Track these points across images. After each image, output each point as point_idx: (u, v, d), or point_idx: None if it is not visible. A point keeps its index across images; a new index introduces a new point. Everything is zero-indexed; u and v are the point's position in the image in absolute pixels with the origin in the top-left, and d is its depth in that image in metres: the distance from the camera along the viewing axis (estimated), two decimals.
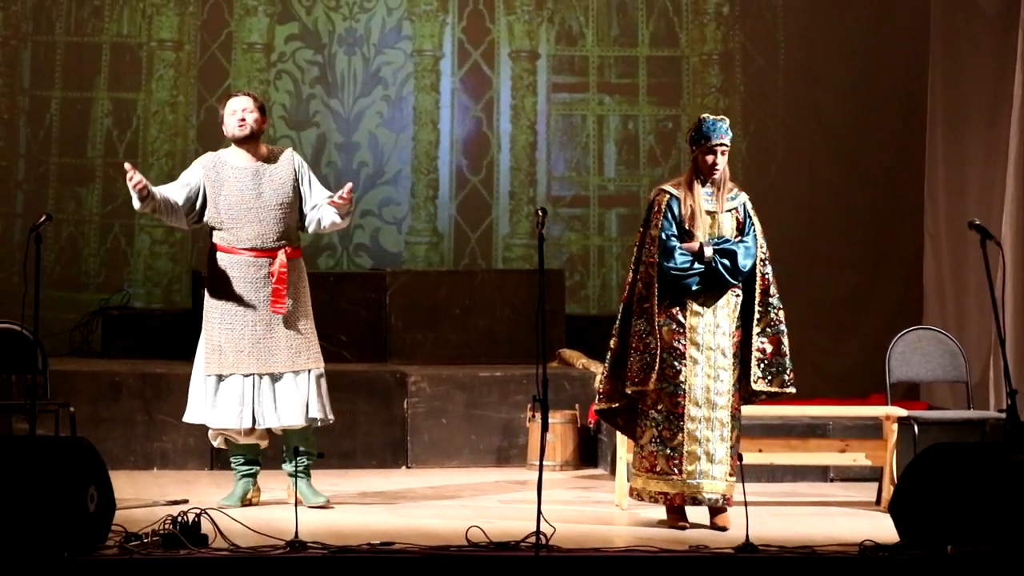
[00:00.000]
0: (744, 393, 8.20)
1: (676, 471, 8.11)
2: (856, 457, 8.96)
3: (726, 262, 8.10)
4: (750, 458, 8.50)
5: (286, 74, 12.21)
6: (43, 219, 7.88)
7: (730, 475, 8.09)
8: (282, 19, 12.24)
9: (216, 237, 8.44)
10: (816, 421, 9.72)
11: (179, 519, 7.24)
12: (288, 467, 8.43)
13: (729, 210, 8.24)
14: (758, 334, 8.18)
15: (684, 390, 8.12)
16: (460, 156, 12.34)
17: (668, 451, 8.12)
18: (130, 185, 8.19)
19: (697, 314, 8.15)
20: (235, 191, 8.34)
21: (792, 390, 8.26)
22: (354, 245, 12.24)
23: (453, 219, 12.31)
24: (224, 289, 8.35)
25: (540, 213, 7.87)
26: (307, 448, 8.47)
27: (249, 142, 8.43)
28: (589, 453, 10.36)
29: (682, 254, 8.10)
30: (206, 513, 7.39)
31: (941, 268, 11.44)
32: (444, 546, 7.27)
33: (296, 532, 7.25)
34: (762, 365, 8.16)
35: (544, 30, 12.38)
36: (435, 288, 11.22)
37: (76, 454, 7.09)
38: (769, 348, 8.18)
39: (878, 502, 8.90)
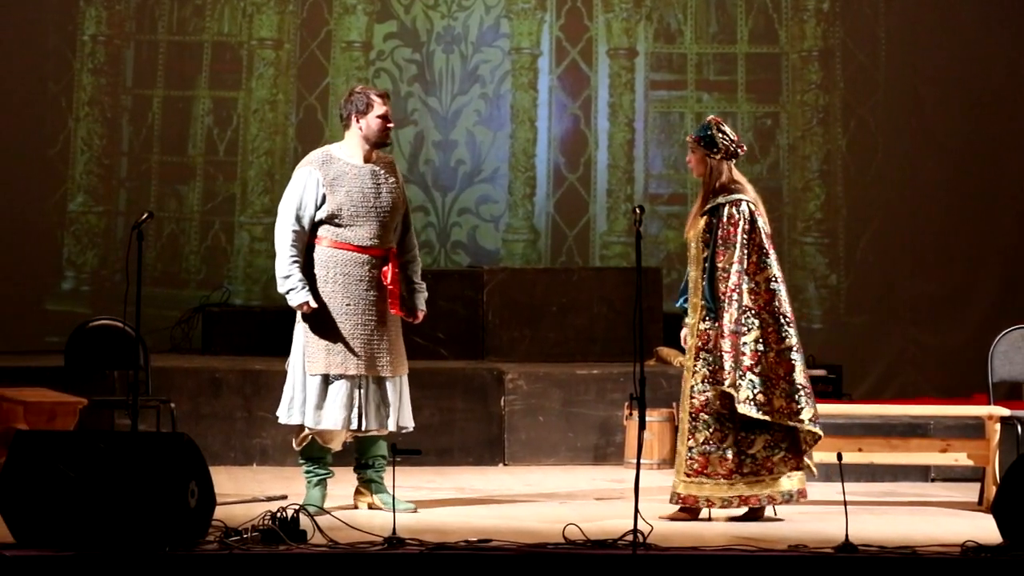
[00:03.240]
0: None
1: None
2: (958, 457, 8.86)
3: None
4: (850, 457, 8.43)
5: (384, 72, 12.26)
6: (145, 217, 7.94)
7: (687, 475, 8.08)
8: (381, 17, 12.29)
9: (328, 232, 8.23)
10: (917, 420, 9.63)
11: (278, 515, 7.28)
12: (369, 473, 8.34)
13: (704, 214, 8.17)
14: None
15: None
16: (557, 154, 12.34)
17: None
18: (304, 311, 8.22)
19: (689, 317, 8.26)
20: (356, 188, 8.21)
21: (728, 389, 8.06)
22: (451, 243, 12.28)
23: (550, 217, 12.31)
24: (335, 287, 8.26)
25: (638, 211, 7.86)
26: (384, 453, 8.35)
27: (378, 147, 8.39)
28: None
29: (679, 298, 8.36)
30: (305, 509, 7.43)
31: None
32: (541, 544, 7.26)
33: (394, 529, 7.27)
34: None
35: (642, 27, 12.35)
36: (532, 286, 11.21)
37: (177, 450, 7.14)
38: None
39: (980, 502, 8.81)
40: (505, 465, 10.25)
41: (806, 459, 8.15)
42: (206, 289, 12.04)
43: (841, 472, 7.90)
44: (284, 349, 10.42)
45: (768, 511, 8.23)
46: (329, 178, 8.22)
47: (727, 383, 8.00)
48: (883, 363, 12.03)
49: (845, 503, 7.63)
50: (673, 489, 8.20)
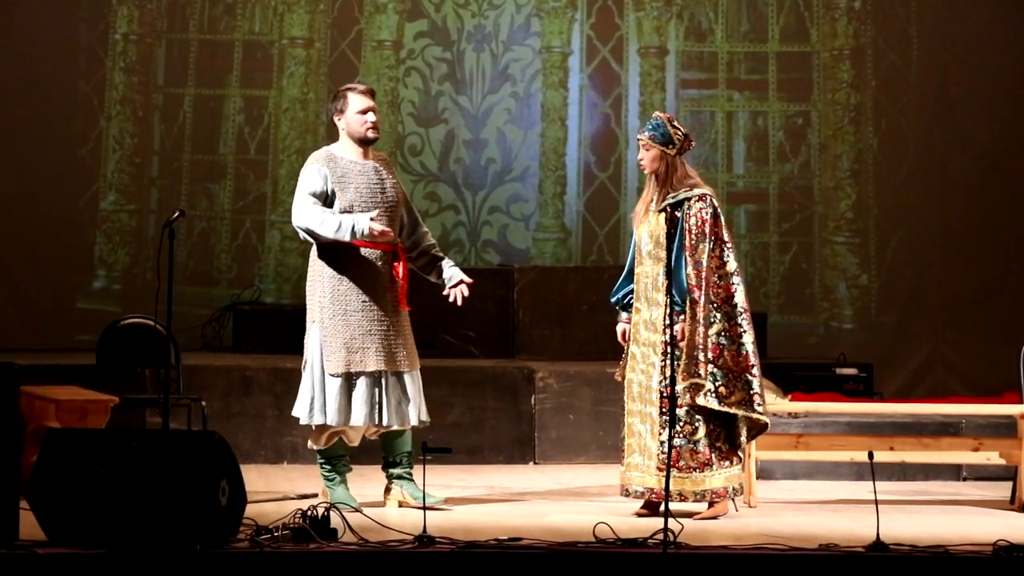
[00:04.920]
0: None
1: (622, 462, 8.26)
2: (990, 456, 8.83)
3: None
4: (881, 456, 8.41)
5: (415, 71, 12.27)
6: (176, 215, 7.97)
7: (659, 469, 8.04)
8: (411, 16, 12.30)
9: None
10: (949, 419, 9.60)
11: (309, 513, 7.29)
12: (398, 470, 8.34)
13: (662, 209, 8.12)
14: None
15: (625, 385, 8.26)
16: (588, 152, 12.33)
17: (619, 442, 8.31)
18: (378, 231, 8.12)
19: (639, 311, 8.21)
20: (364, 184, 8.23)
21: (701, 382, 8.03)
22: (482, 241, 12.28)
23: (581, 215, 12.30)
24: (349, 285, 8.25)
25: (668, 210, 7.85)
26: (409, 448, 8.37)
27: (371, 144, 8.37)
28: None
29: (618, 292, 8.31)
30: (336, 507, 7.43)
31: None
32: (571, 542, 7.27)
33: (424, 527, 7.27)
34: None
35: (673, 26, 12.33)
36: (563, 284, 11.21)
37: (208, 448, 7.16)
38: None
39: (1012, 501, 8.77)
40: (535, 464, 10.24)
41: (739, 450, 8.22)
42: (237, 287, 12.06)
43: (872, 471, 7.89)
44: None
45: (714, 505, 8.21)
46: (336, 176, 8.23)
47: (700, 377, 8.01)
48: (914, 362, 12.00)
49: (876, 502, 7.61)
50: (625, 484, 8.18)
